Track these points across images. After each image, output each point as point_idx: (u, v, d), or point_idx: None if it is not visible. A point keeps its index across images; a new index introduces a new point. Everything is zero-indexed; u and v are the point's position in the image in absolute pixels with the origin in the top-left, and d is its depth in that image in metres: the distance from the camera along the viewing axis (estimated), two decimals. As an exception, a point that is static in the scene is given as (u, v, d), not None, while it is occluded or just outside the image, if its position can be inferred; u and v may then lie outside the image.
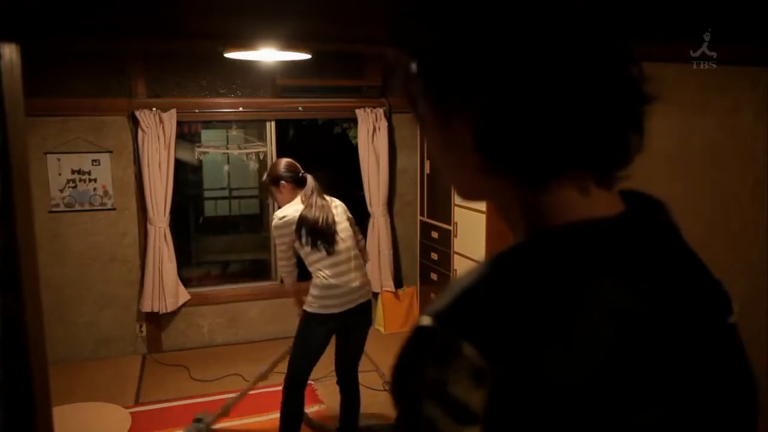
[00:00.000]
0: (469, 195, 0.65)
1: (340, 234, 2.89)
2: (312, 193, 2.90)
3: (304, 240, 2.82)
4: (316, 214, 2.82)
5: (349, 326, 2.96)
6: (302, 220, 2.81)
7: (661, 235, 0.60)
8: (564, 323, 0.50)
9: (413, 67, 0.61)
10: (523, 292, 0.51)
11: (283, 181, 2.93)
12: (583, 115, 0.54)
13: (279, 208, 2.98)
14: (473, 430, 0.48)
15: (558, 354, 0.48)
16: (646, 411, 0.51)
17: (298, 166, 2.99)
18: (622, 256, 0.55)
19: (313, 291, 2.88)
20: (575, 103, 0.54)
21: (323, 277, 2.84)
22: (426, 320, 0.51)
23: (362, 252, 3.08)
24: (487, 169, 0.57)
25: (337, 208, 2.96)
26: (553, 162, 0.55)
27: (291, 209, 2.87)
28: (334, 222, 2.87)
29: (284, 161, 3.00)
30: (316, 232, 2.81)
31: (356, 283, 2.89)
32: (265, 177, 3.07)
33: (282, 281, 3.21)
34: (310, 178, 2.95)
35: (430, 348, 0.50)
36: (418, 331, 0.52)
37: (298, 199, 2.91)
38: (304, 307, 2.91)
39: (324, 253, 2.83)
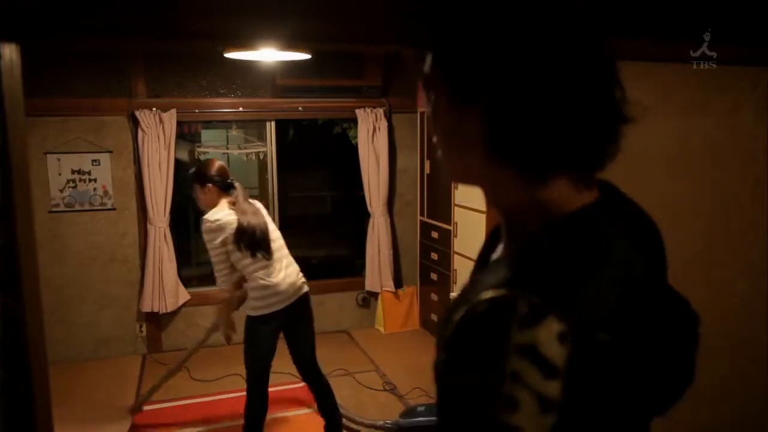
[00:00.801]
0: (463, 179, 0.78)
1: (271, 236, 2.94)
2: (243, 199, 2.92)
3: (243, 251, 2.84)
4: (253, 222, 2.85)
5: (293, 321, 3.01)
6: (241, 231, 2.82)
7: (632, 205, 0.75)
8: (595, 271, 0.62)
9: (431, 63, 0.72)
10: (568, 256, 0.63)
11: (210, 184, 2.92)
12: (576, 123, 0.66)
13: (202, 208, 2.98)
14: (557, 382, 0.56)
15: (592, 291, 0.61)
16: (652, 334, 0.65)
17: (229, 172, 3.01)
18: (621, 225, 0.70)
19: (253, 294, 2.91)
20: (572, 111, 0.65)
21: (260, 278, 2.88)
22: (500, 291, 0.59)
23: None
24: (493, 159, 0.68)
25: (262, 210, 3.00)
26: (550, 159, 0.67)
27: (222, 214, 2.86)
28: (267, 227, 2.92)
29: (218, 164, 2.99)
30: (256, 243, 2.84)
31: (291, 278, 2.95)
32: (191, 172, 3.05)
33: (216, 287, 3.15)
34: (239, 185, 2.98)
35: (513, 313, 0.57)
36: (494, 302, 0.59)
37: (224, 203, 2.92)
38: (248, 313, 2.94)
39: (261, 258, 2.87)
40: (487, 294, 0.60)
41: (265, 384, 3.00)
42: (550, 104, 0.64)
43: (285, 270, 2.94)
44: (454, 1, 0.69)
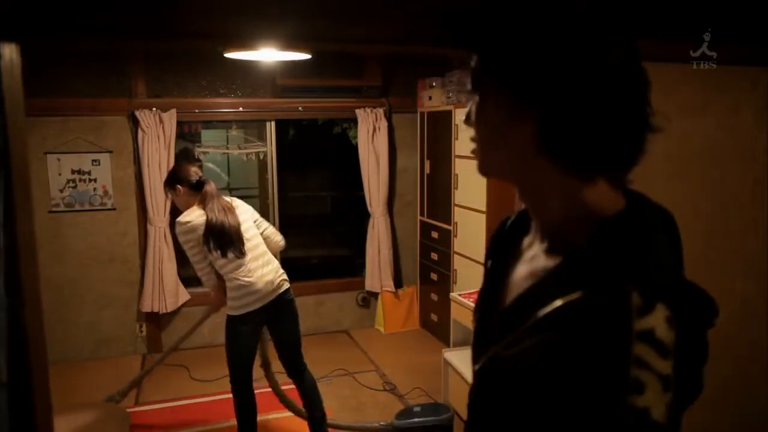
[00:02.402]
0: (505, 175, 0.82)
1: (245, 234, 2.94)
2: (212, 197, 2.92)
3: (213, 250, 2.86)
4: (221, 219, 2.86)
5: (274, 319, 3.03)
6: (209, 229, 2.84)
7: (656, 205, 0.79)
8: (671, 263, 0.72)
9: (482, 63, 0.77)
10: (652, 251, 0.70)
11: (179, 185, 2.94)
12: (621, 125, 0.72)
13: (180, 210, 3.00)
14: (670, 361, 0.63)
15: (676, 280, 0.71)
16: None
17: (199, 172, 3.01)
18: (660, 222, 0.76)
19: (230, 294, 2.94)
20: (619, 113, 0.71)
21: (235, 278, 2.90)
22: (604, 287, 0.66)
23: (271, 239, 3.11)
24: (543, 157, 0.73)
25: (239, 207, 3.01)
26: (598, 159, 0.73)
27: (194, 215, 2.89)
28: (239, 225, 2.92)
29: (187, 166, 3.02)
30: (225, 241, 2.85)
31: (269, 277, 2.95)
32: (164, 179, 3.09)
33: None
34: (212, 183, 2.99)
35: (629, 304, 0.63)
36: (604, 296, 0.65)
37: (196, 204, 2.94)
38: (227, 312, 2.97)
39: (234, 257, 2.88)
40: (586, 291, 0.65)
41: (249, 381, 3.04)
42: (601, 106, 0.70)
43: (262, 269, 2.95)
44: (504, 4, 0.75)
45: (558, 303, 0.67)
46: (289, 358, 3.13)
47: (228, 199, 3.02)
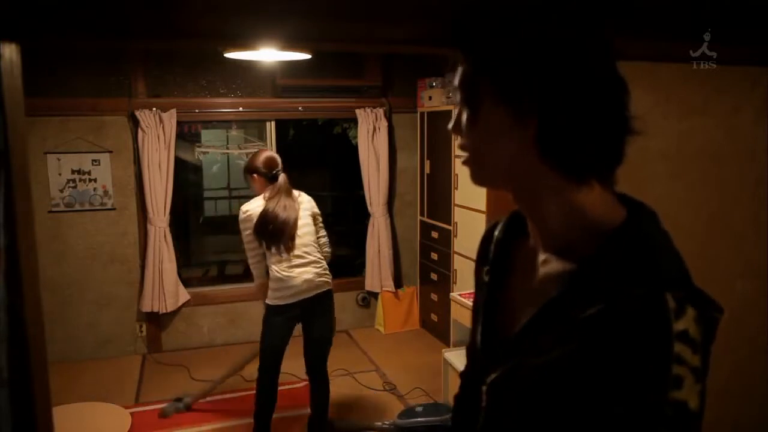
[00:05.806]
0: (492, 180, 0.83)
1: (298, 231, 3.02)
2: (277, 192, 3.02)
3: (261, 242, 3.00)
4: (274, 215, 2.94)
5: (310, 317, 3.09)
6: (260, 222, 2.95)
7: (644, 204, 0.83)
8: (676, 262, 0.75)
9: (477, 69, 0.77)
10: (673, 255, 0.75)
11: (255, 174, 3.06)
12: (611, 128, 0.75)
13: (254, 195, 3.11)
14: (700, 355, 0.68)
15: (670, 266, 0.74)
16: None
17: (277, 162, 3.09)
18: (659, 227, 0.78)
19: (270, 284, 3.05)
20: (610, 116, 0.74)
21: (276, 271, 3.00)
22: (640, 291, 0.69)
23: (322, 247, 3.19)
24: (542, 162, 0.75)
25: (303, 204, 3.09)
26: (593, 162, 0.75)
27: (254, 205, 3.02)
28: (296, 223, 3.00)
29: (264, 155, 3.10)
30: (269, 237, 2.96)
31: (309, 275, 3.01)
32: (245, 163, 3.19)
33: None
34: (281, 178, 3.05)
35: (666, 308, 0.67)
36: (642, 300, 0.68)
37: (264, 194, 3.05)
38: (266, 300, 3.08)
39: (276, 253, 2.98)
40: (621, 297, 0.69)
41: (273, 374, 3.09)
42: (596, 109, 0.73)
43: (303, 267, 3.01)
44: (501, 8, 0.75)
45: (593, 310, 0.69)
46: (311, 356, 3.16)
47: (296, 193, 3.10)
